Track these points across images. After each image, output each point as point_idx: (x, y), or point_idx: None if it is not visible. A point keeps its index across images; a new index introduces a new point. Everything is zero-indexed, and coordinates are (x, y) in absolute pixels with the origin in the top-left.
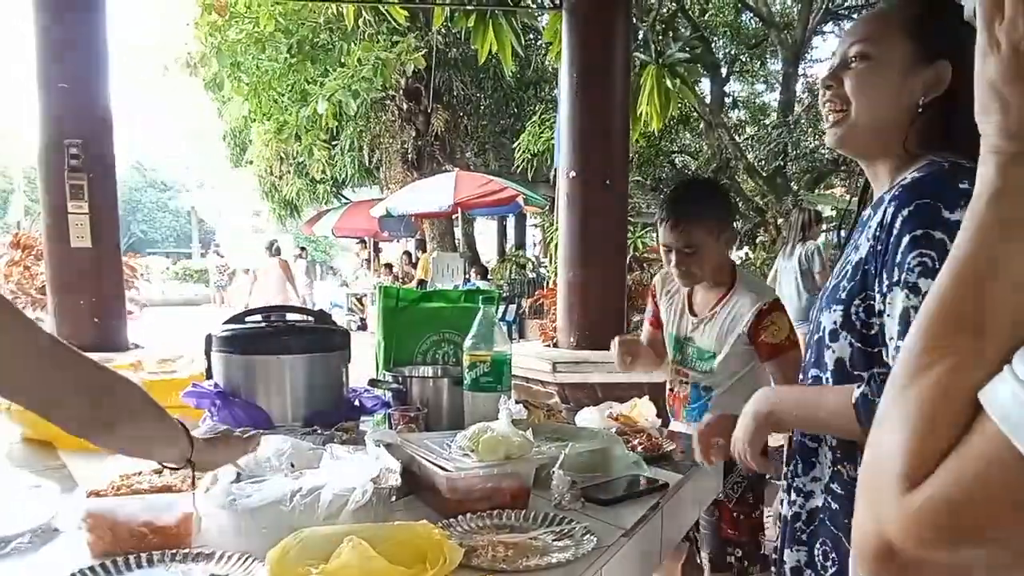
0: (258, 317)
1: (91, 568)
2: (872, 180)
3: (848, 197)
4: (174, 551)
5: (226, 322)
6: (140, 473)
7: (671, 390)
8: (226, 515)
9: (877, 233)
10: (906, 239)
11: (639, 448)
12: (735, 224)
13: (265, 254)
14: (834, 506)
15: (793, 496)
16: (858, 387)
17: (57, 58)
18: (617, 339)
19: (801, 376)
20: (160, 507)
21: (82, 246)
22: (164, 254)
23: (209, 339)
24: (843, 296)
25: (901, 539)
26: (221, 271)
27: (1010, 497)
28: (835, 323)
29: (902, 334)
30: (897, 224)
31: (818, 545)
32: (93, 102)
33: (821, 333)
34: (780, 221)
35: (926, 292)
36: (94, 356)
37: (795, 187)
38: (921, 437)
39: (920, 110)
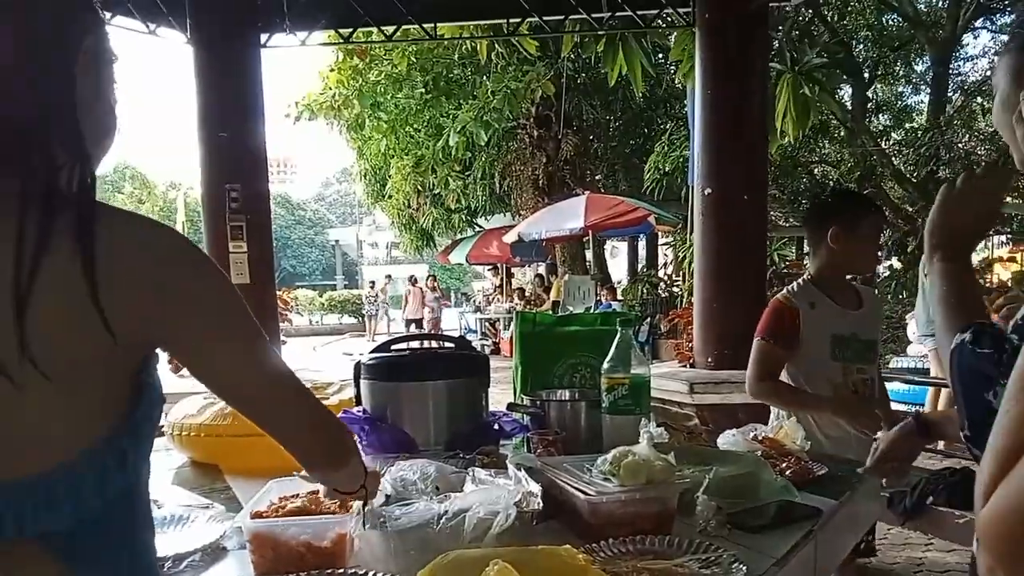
0: (402, 345)
1: None
2: None
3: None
4: (330, 570)
5: (373, 351)
6: (297, 496)
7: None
8: (377, 536)
9: None
10: None
11: (787, 472)
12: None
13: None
14: None
15: None
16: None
17: (217, 108)
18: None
19: None
20: (318, 528)
21: (241, 283)
22: (311, 286)
23: (358, 367)
24: None
25: (984, 549)
26: (371, 301)
27: None
28: None
29: None
30: None
31: None
32: (249, 148)
33: None
34: None
35: None
36: None
37: None
38: (1004, 459)
39: None
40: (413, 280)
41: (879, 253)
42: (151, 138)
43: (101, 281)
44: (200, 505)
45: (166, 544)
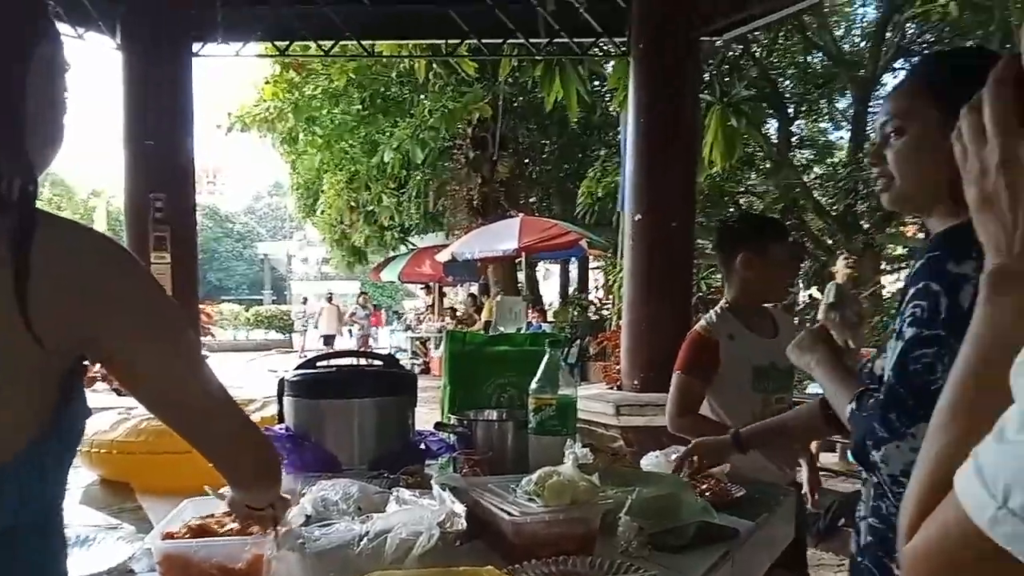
0: (328, 362)
1: None
2: (930, 229)
3: (921, 236)
4: None
5: (298, 367)
6: (212, 516)
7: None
8: (295, 558)
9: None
10: (911, 292)
11: (707, 494)
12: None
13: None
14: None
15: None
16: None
17: (144, 116)
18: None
19: None
20: (232, 549)
21: None
22: (237, 300)
23: (282, 383)
24: None
25: None
26: (299, 317)
27: (967, 555)
28: None
29: (893, 381)
30: (912, 276)
31: None
32: (177, 157)
33: None
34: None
35: (910, 339)
36: None
37: (865, 226)
38: (927, 495)
39: None
40: (329, 297)
41: (794, 280)
42: (74, 143)
43: (30, 288)
44: (108, 525)
45: (68, 567)
